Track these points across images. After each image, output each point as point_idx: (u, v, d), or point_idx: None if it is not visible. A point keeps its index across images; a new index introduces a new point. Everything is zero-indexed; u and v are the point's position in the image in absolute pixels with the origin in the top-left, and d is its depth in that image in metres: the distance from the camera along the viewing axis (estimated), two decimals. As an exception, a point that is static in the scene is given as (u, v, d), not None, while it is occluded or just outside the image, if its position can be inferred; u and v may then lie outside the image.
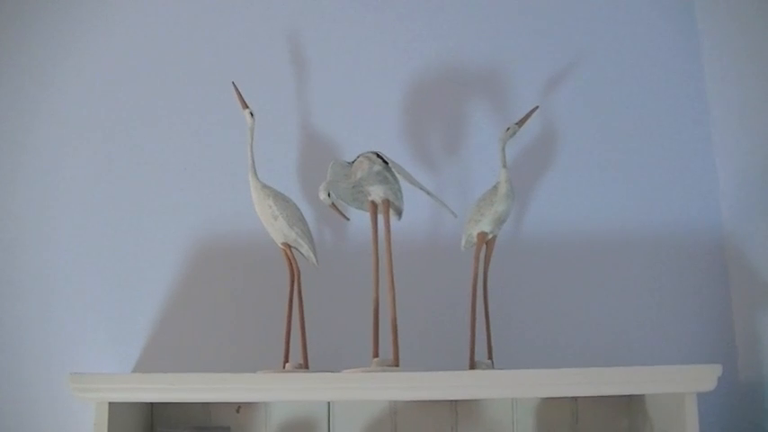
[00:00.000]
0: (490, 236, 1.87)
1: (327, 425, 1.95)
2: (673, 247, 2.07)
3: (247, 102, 1.89)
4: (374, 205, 1.82)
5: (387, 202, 1.81)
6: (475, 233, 1.87)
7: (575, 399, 1.97)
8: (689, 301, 2.05)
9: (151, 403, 1.93)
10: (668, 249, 2.07)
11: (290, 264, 1.88)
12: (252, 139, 1.87)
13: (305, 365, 1.85)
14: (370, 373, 1.70)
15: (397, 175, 1.82)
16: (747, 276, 1.99)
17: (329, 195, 1.77)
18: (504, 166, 1.87)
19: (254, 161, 1.87)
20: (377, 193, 1.80)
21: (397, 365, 1.75)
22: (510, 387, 1.68)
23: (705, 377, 1.68)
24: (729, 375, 1.98)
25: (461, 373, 1.69)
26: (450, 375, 1.67)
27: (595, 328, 2.03)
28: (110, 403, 1.69)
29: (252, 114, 1.89)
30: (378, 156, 1.80)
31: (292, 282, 1.88)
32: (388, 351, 1.77)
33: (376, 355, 1.78)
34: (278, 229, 1.85)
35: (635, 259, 2.07)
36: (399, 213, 1.87)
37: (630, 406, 1.96)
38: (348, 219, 1.92)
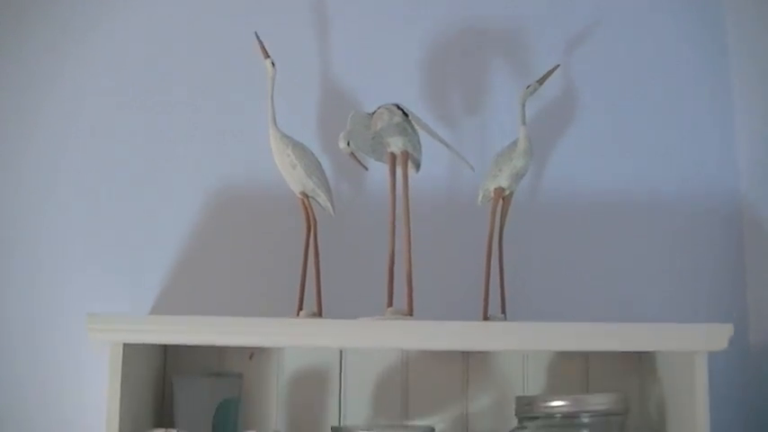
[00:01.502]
0: (507, 192, 1.88)
1: (339, 373, 1.97)
2: (689, 207, 2.08)
3: (269, 51, 1.89)
4: (393, 156, 1.82)
5: (405, 154, 1.81)
6: (492, 188, 1.88)
7: (586, 356, 1.98)
8: (702, 264, 2.06)
9: (165, 349, 1.95)
10: (684, 210, 2.08)
11: (307, 213, 1.89)
12: (272, 88, 1.87)
13: (319, 314, 1.86)
14: (383, 320, 1.71)
15: (417, 128, 1.82)
16: (763, 240, 1.99)
17: (348, 144, 1.78)
18: (524, 123, 1.87)
19: (274, 111, 1.87)
20: (396, 144, 1.81)
21: (411, 316, 1.76)
22: (521, 339, 1.68)
23: (717, 336, 1.69)
24: (740, 339, 1.99)
25: (474, 324, 1.70)
26: (462, 326, 1.67)
27: (608, 287, 2.04)
28: (124, 345, 1.69)
29: (273, 64, 1.89)
30: (398, 108, 1.81)
31: (308, 231, 1.89)
32: (402, 302, 1.78)
33: (390, 305, 1.79)
34: (296, 179, 1.86)
35: (651, 220, 2.07)
36: (418, 166, 1.87)
37: (641, 365, 1.96)
38: (367, 168, 1.93)
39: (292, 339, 1.69)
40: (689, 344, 1.70)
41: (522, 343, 1.69)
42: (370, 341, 1.69)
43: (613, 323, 1.70)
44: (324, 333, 1.67)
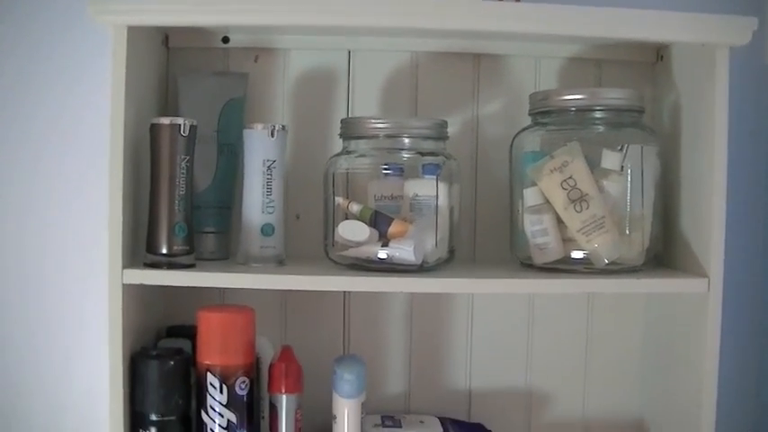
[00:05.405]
0: None
1: (348, 74, 1.93)
2: None
3: None
4: None
5: None
6: None
7: (599, 63, 1.94)
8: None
9: (168, 48, 1.90)
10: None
11: None
12: None
13: None
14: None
15: None
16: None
17: None
18: None
19: None
20: None
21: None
22: (535, 21, 1.63)
23: (740, 29, 1.64)
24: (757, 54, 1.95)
25: (487, 3, 1.64)
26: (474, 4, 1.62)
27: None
28: (128, 28, 1.63)
29: None
30: None
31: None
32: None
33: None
34: None
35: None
36: None
37: (655, 72, 1.92)
38: None
39: (303, 17, 1.63)
40: (710, 35, 1.65)
41: (537, 26, 1.64)
42: (383, 20, 1.63)
43: (630, 9, 1.64)
44: (334, 10, 1.61)
